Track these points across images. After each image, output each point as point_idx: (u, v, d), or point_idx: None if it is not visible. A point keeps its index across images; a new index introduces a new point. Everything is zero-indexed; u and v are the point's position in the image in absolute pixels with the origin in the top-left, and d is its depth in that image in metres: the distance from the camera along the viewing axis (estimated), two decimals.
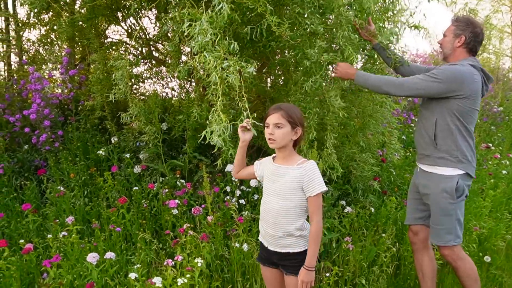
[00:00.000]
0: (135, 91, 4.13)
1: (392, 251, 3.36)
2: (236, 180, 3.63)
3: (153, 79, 4.35)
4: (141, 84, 4.61)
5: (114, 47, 4.38)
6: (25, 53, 5.14)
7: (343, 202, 3.77)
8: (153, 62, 4.51)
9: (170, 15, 3.13)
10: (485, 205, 4.29)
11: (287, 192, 2.12)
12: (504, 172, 5.33)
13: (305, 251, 2.16)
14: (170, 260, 2.69)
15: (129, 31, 4.34)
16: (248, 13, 3.12)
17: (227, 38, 2.92)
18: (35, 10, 3.86)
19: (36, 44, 4.66)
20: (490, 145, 6.63)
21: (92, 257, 2.67)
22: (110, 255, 2.74)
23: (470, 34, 2.79)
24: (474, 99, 2.71)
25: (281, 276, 2.28)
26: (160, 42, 4.32)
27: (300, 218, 2.15)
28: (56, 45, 4.46)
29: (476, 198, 4.37)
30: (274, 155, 2.26)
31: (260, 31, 3.12)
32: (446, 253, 2.85)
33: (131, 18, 4.25)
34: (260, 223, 2.29)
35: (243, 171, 2.38)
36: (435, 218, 2.83)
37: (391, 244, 3.39)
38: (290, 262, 2.19)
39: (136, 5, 3.34)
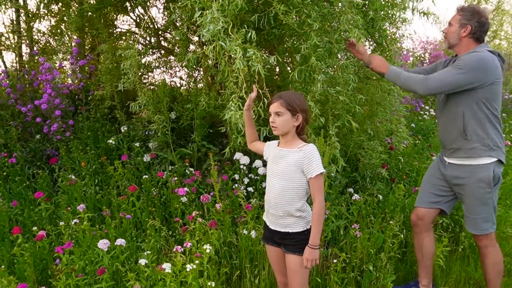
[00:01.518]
0: (144, 81, 4.15)
1: (399, 237, 3.37)
2: (244, 168, 3.67)
3: (162, 69, 4.37)
4: (150, 73, 4.63)
5: (123, 37, 4.41)
6: (36, 44, 5.20)
7: (351, 190, 3.79)
8: (162, 51, 4.53)
9: (180, 4, 3.15)
10: None
11: (288, 174, 2.21)
12: None
13: (304, 231, 2.25)
14: (179, 247, 2.73)
15: (137, 21, 4.36)
16: (255, 1, 3.13)
17: (235, 26, 2.94)
18: (45, 1, 3.92)
19: (47, 35, 4.70)
20: None
21: (103, 244, 2.72)
22: (120, 241, 2.79)
23: (476, 24, 2.78)
24: (498, 84, 2.71)
25: (283, 254, 2.35)
26: (168, 31, 4.34)
27: (301, 199, 2.24)
28: (66, 36, 4.50)
29: None
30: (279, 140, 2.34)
31: (268, 19, 3.14)
32: (481, 238, 2.87)
33: (139, 7, 4.27)
34: (265, 203, 2.38)
35: (256, 144, 2.49)
36: (471, 208, 2.83)
37: (398, 231, 3.40)
38: (290, 241, 2.29)
39: None
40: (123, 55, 3.32)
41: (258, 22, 3.12)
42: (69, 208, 3.25)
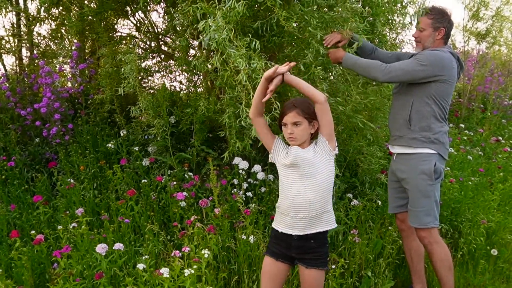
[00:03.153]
0: (144, 85, 4.15)
1: (398, 243, 3.37)
2: (243, 173, 3.66)
3: (162, 73, 4.37)
4: (150, 77, 4.63)
5: (123, 41, 4.41)
6: (36, 48, 5.20)
7: (350, 195, 3.78)
8: (162, 56, 4.54)
9: (180, 9, 3.15)
10: (493, 198, 4.28)
11: (317, 169, 2.17)
12: None
13: (326, 231, 2.24)
14: (178, 252, 2.73)
15: (138, 25, 4.37)
16: (256, 6, 3.13)
17: (237, 32, 2.94)
18: (45, 5, 3.93)
19: (47, 39, 4.71)
20: (500, 138, 6.58)
21: (101, 248, 2.71)
22: (118, 246, 2.78)
23: (447, 25, 2.89)
24: (450, 84, 2.83)
25: (287, 272, 2.31)
26: (168, 36, 4.34)
27: (331, 190, 2.22)
28: (66, 40, 4.50)
29: (484, 191, 4.35)
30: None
31: (270, 26, 3.14)
32: (423, 235, 2.90)
33: (140, 12, 4.27)
34: (283, 216, 2.26)
35: (260, 121, 2.28)
36: (414, 200, 2.89)
37: (397, 236, 3.40)
38: (314, 255, 2.22)
39: None
40: (123, 59, 3.32)
41: (260, 28, 3.13)
42: (67, 212, 3.24)
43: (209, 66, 3.17)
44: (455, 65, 2.85)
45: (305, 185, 2.18)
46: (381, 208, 3.76)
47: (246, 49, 2.68)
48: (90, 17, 3.93)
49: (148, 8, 4.12)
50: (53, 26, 4.70)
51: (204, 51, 3.56)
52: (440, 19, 2.87)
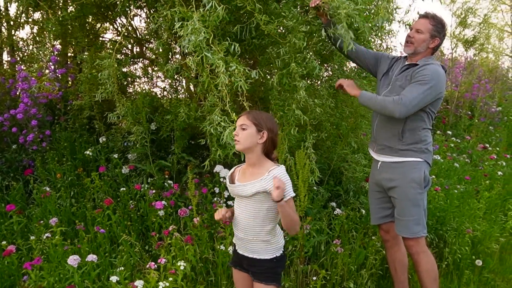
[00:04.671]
0: (124, 91, 4.05)
1: (382, 253, 3.31)
2: (224, 181, 3.58)
3: (143, 79, 4.28)
4: (131, 83, 4.54)
5: (104, 46, 4.32)
6: (19, 52, 5.09)
7: (334, 204, 3.71)
8: (145, 61, 4.46)
9: (160, 13, 3.09)
10: (479, 206, 4.23)
11: (257, 197, 2.07)
12: (500, 173, 5.27)
13: (273, 259, 2.13)
14: (153, 263, 2.64)
15: (120, 30, 4.29)
16: (236, 11, 3.08)
17: (217, 37, 2.89)
18: (24, 8, 3.84)
19: (28, 43, 4.60)
20: (487, 145, 6.57)
21: (73, 260, 2.61)
22: (92, 257, 2.69)
23: (442, 37, 2.83)
24: (441, 98, 2.80)
25: (251, 281, 2.23)
26: (150, 41, 4.27)
27: (271, 221, 2.11)
28: (48, 44, 4.39)
29: (470, 200, 4.30)
30: (236, 167, 2.24)
31: (249, 30, 3.08)
32: (411, 244, 2.85)
33: (123, 17, 4.20)
34: (233, 226, 2.23)
35: None
36: (403, 209, 2.82)
37: (381, 246, 3.33)
38: (257, 269, 2.15)
39: (123, 2, 3.29)
40: (100, 64, 3.24)
41: (240, 32, 3.07)
42: (41, 222, 3.14)
43: (191, 73, 3.12)
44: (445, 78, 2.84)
45: (243, 205, 2.12)
46: (365, 217, 3.70)
47: (224, 53, 2.62)
48: (69, 21, 3.83)
49: (129, 12, 4.04)
50: (35, 31, 4.59)
51: (186, 56, 3.49)
52: (439, 29, 2.80)
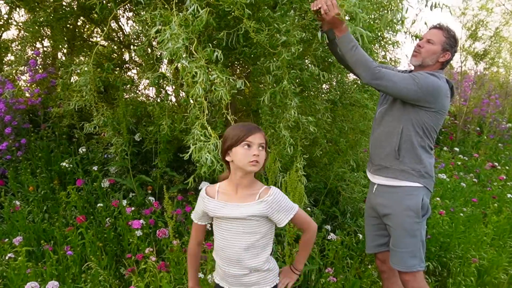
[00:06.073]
0: (108, 99, 3.78)
1: (378, 285, 3.01)
2: None
3: (127, 86, 4.01)
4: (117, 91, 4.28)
5: (87, 50, 4.06)
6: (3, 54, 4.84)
7: (329, 227, 3.41)
8: (131, 67, 4.21)
9: (141, 16, 2.86)
10: (487, 232, 3.92)
11: (251, 225, 1.82)
12: (509, 195, 4.94)
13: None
14: None
15: (101, 33, 4.04)
16: (224, 16, 2.82)
17: (202, 43, 2.64)
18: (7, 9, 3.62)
19: (9, 45, 4.35)
20: (496, 164, 6.25)
21: (30, 287, 2.35)
22: (52, 284, 2.42)
23: (453, 53, 2.60)
24: (442, 115, 2.53)
25: None
26: (133, 46, 4.02)
27: (266, 246, 1.86)
28: (30, 47, 4.15)
29: (477, 224, 3.99)
30: (210, 186, 1.98)
31: (237, 37, 2.82)
32: (407, 278, 2.55)
33: (112, 21, 3.94)
34: (217, 263, 1.94)
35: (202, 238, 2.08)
36: (397, 240, 2.54)
37: (377, 277, 3.04)
38: None
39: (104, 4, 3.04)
40: (75, 70, 2.99)
41: (226, 39, 2.80)
42: (6, 240, 2.87)
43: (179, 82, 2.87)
44: (449, 94, 2.55)
45: (234, 238, 1.85)
46: (361, 242, 3.40)
47: (206, 61, 2.36)
48: (50, 23, 3.58)
49: (117, 15, 3.79)
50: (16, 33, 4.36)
51: (171, 64, 3.25)
52: (452, 44, 2.57)
